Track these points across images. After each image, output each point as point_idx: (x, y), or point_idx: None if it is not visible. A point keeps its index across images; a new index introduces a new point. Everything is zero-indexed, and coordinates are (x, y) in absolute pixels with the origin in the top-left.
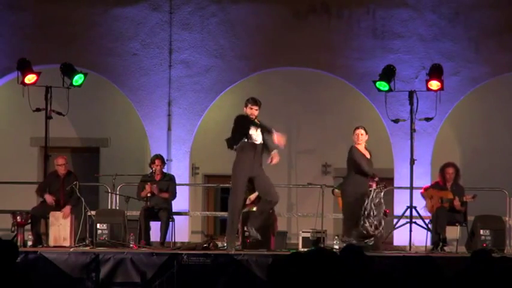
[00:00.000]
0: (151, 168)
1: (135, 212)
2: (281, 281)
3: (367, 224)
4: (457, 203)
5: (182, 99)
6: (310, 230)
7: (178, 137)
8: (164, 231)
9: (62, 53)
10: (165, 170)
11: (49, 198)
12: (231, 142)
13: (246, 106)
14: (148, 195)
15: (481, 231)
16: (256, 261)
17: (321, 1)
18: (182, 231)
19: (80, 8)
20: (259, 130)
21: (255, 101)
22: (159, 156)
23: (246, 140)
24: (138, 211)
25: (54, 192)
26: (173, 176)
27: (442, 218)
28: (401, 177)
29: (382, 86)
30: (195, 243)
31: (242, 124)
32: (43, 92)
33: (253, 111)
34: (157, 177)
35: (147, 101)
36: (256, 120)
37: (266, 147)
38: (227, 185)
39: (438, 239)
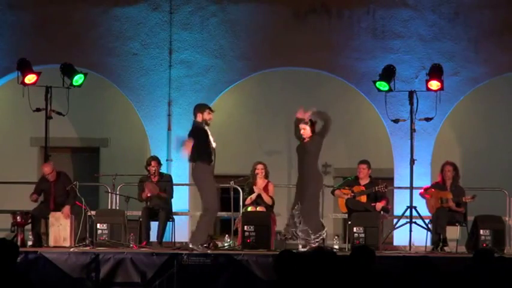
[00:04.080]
0: (149, 172)
1: (135, 212)
2: (286, 272)
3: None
4: (451, 203)
5: (182, 99)
6: None
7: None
8: (162, 230)
9: (62, 53)
10: (164, 171)
11: (33, 198)
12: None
13: (204, 111)
14: (149, 195)
15: (481, 231)
16: (256, 261)
17: (321, 1)
18: (182, 231)
19: (80, 8)
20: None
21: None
22: (154, 158)
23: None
24: (138, 211)
25: (47, 196)
26: (170, 176)
27: (442, 218)
28: (401, 177)
29: (382, 86)
30: None
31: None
32: (43, 92)
33: (211, 116)
34: (155, 179)
35: (147, 101)
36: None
37: None
38: (227, 185)
39: (438, 239)
